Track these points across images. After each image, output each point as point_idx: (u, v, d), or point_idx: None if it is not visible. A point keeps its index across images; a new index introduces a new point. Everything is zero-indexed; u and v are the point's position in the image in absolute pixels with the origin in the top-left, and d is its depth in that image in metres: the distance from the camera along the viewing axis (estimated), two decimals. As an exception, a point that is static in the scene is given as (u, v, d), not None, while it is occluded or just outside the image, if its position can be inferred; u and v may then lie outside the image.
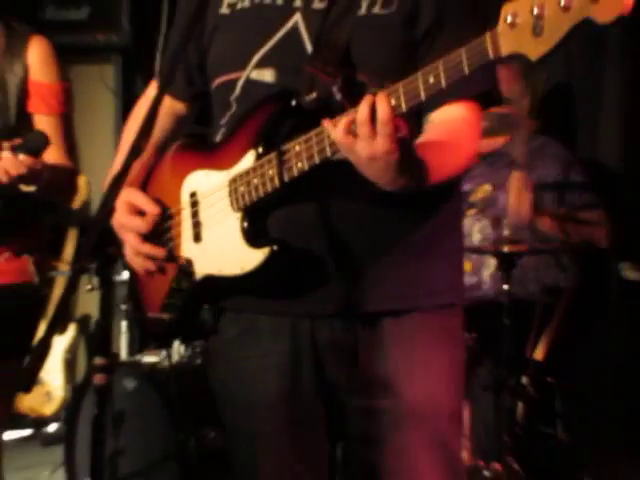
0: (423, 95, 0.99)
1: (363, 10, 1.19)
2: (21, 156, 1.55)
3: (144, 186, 1.32)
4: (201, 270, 1.24)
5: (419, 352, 1.24)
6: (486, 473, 2.19)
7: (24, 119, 1.83)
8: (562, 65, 3.07)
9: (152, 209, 1.24)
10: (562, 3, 0.86)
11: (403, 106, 0.98)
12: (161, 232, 1.26)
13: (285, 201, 1.16)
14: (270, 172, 1.11)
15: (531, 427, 2.40)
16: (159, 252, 1.24)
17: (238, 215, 1.18)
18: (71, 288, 1.01)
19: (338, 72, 1.14)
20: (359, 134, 0.97)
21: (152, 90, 1.41)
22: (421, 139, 1.20)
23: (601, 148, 3.12)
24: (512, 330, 2.25)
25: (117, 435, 2.28)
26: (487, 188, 2.61)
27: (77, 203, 3.35)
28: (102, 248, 0.92)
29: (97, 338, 1.06)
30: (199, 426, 2.46)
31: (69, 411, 2.70)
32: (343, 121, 0.99)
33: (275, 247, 1.14)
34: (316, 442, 1.32)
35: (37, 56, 1.82)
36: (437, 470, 1.25)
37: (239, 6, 1.27)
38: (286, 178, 1.09)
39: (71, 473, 2.54)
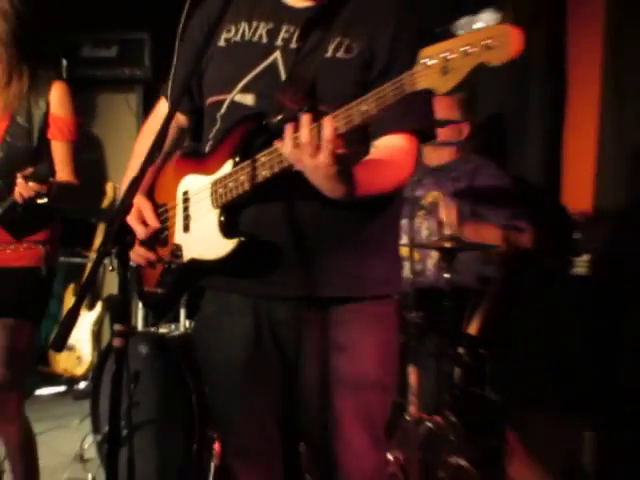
0: (357, 120, 1.06)
1: (329, 53, 1.25)
2: (30, 183, 1.76)
3: (154, 185, 1.42)
4: (188, 254, 1.32)
5: (352, 335, 1.33)
6: (429, 424, 2.28)
7: (43, 143, 2.00)
8: (494, 98, 3.14)
9: (153, 223, 1.33)
10: (464, 49, 0.95)
11: (342, 128, 1.05)
12: (160, 230, 1.35)
13: (255, 201, 1.23)
14: (242, 178, 1.17)
15: (466, 388, 2.48)
16: (150, 256, 1.34)
17: (217, 211, 1.25)
18: (96, 265, 1.11)
19: (304, 102, 1.20)
20: (304, 151, 1.04)
21: (161, 105, 1.49)
22: (364, 159, 1.25)
23: (526, 166, 3.13)
24: (451, 310, 2.33)
25: (132, 392, 2.40)
26: (435, 194, 2.67)
27: (105, 204, 3.65)
28: (121, 236, 1.00)
29: (116, 309, 1.17)
30: (199, 383, 2.45)
31: (95, 372, 2.82)
32: (287, 138, 1.07)
33: (242, 239, 1.22)
34: (276, 395, 1.41)
35: (57, 96, 1.99)
36: (359, 429, 1.35)
37: (232, 40, 1.32)
38: (254, 183, 1.16)
39: (95, 422, 2.66)
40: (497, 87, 3.15)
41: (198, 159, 1.39)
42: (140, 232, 1.32)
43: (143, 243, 1.35)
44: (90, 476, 2.68)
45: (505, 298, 2.66)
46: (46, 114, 1.98)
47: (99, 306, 3.86)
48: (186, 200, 1.35)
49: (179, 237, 1.37)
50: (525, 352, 2.65)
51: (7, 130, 1.98)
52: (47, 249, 2.08)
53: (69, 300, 3.97)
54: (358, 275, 1.32)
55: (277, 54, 1.30)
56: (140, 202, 1.32)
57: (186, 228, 1.35)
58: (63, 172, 1.99)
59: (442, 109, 2.69)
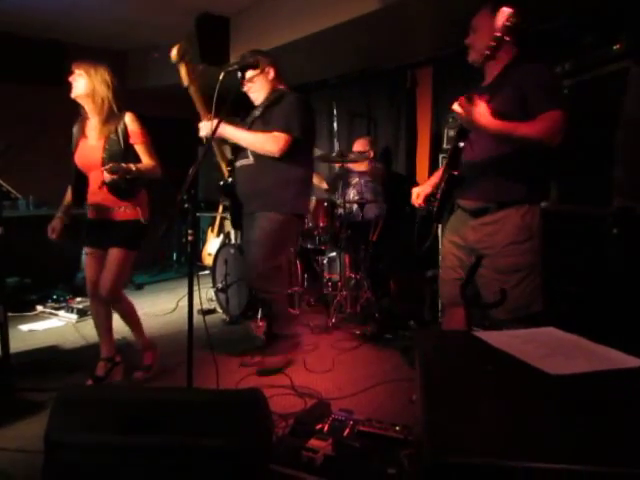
0: None
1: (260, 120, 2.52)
2: (106, 173, 2.21)
3: None
4: None
5: (258, 224, 2.56)
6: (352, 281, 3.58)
7: (129, 146, 2.41)
8: (385, 138, 4.55)
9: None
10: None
11: None
12: None
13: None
14: None
15: (372, 265, 3.69)
16: None
17: None
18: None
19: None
20: None
21: None
22: None
23: (398, 166, 4.56)
24: (364, 231, 3.65)
25: (226, 268, 3.82)
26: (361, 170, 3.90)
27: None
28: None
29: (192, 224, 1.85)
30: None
31: (214, 259, 4.08)
32: None
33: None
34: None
35: (129, 119, 2.42)
36: (256, 252, 2.58)
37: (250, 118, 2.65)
38: None
39: (214, 281, 3.99)
40: (385, 133, 4.68)
41: None
42: None
43: None
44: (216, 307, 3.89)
45: (384, 227, 3.87)
46: (125, 130, 2.40)
47: (222, 236, 5.27)
48: None
49: None
50: (387, 245, 3.84)
51: (106, 141, 2.39)
52: (141, 209, 2.44)
53: (209, 234, 5.35)
54: (264, 203, 2.56)
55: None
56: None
57: None
58: (144, 160, 2.40)
59: (361, 146, 4.10)
